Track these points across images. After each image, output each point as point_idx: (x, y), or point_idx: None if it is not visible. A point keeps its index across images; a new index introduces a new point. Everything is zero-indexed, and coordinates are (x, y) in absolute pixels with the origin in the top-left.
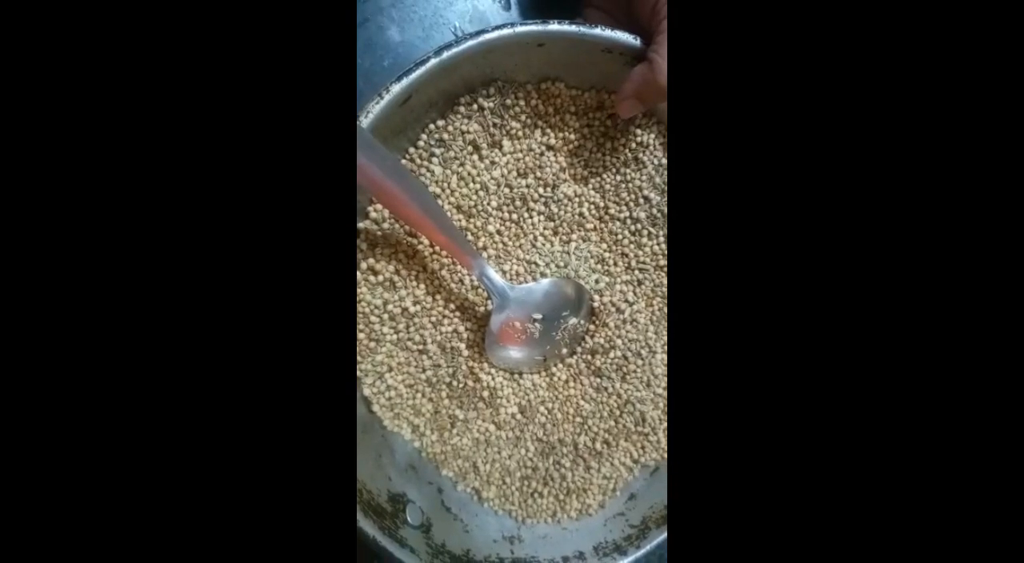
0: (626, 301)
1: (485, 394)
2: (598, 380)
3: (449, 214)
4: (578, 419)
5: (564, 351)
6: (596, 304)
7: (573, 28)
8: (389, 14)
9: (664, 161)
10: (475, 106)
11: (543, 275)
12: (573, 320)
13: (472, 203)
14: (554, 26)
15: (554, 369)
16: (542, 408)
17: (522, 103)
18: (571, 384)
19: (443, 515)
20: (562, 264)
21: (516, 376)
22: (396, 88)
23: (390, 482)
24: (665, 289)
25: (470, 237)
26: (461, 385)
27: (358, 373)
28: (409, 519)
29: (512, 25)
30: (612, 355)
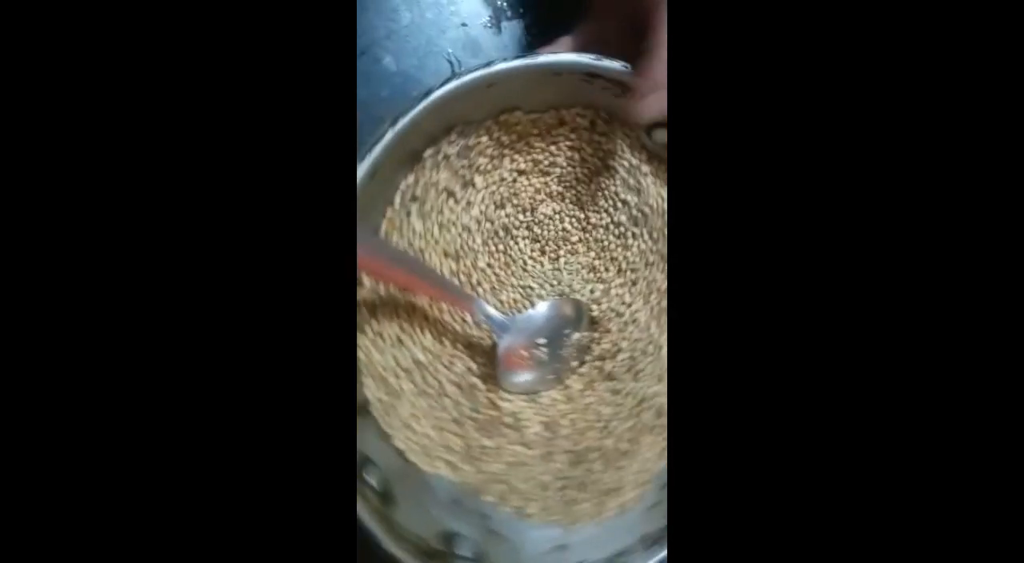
0: (623, 303)
1: (508, 420)
2: (612, 383)
3: (438, 262)
4: (600, 424)
5: (574, 364)
6: (595, 313)
7: (518, 62)
8: (384, 45)
9: (634, 161)
10: (440, 155)
11: (539, 297)
12: (576, 335)
13: (458, 246)
14: (499, 65)
15: (568, 381)
16: (564, 421)
17: (485, 139)
18: (587, 393)
19: (493, 540)
20: (555, 281)
21: (534, 396)
22: (361, 171)
23: (436, 522)
24: (659, 285)
25: (462, 277)
26: (484, 417)
27: (386, 429)
28: (462, 553)
29: (457, 76)
30: (620, 358)
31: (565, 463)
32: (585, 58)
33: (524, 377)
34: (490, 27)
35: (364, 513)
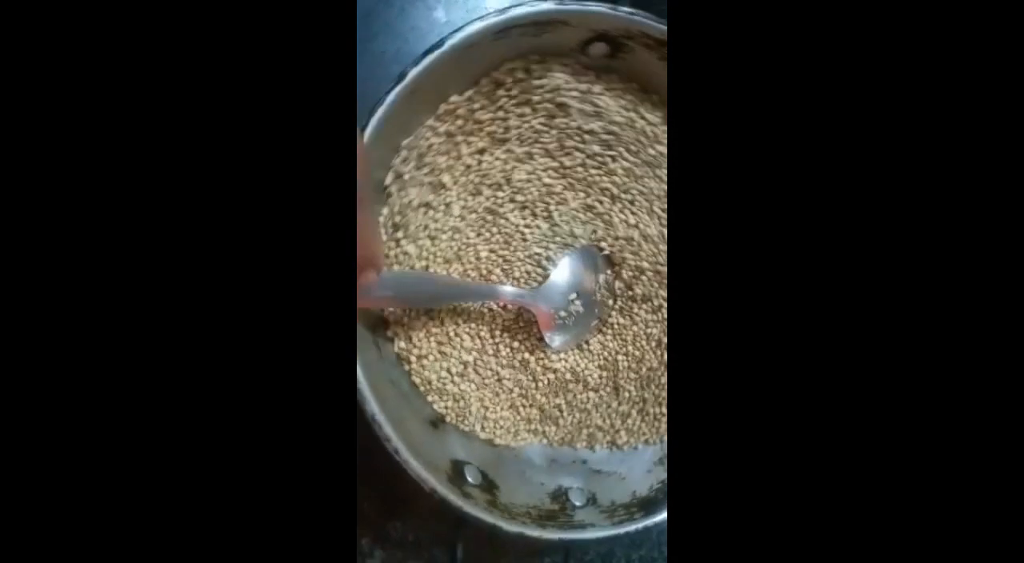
0: (629, 226)
1: (569, 376)
2: (648, 304)
3: (443, 270)
4: (652, 344)
5: (611, 303)
6: (607, 251)
7: (428, 59)
8: None
9: (583, 87)
10: (403, 177)
11: (548, 260)
12: (602, 277)
13: (455, 249)
14: (412, 72)
15: (609, 320)
16: (620, 356)
17: (434, 140)
18: (629, 324)
19: (598, 478)
20: (558, 237)
21: (584, 345)
22: None
23: (543, 486)
24: (655, 191)
25: (472, 272)
26: (547, 383)
27: (465, 428)
28: (576, 502)
29: (379, 103)
30: (645, 278)
31: (635, 389)
32: (488, 20)
33: (570, 334)
34: None
35: (476, 510)
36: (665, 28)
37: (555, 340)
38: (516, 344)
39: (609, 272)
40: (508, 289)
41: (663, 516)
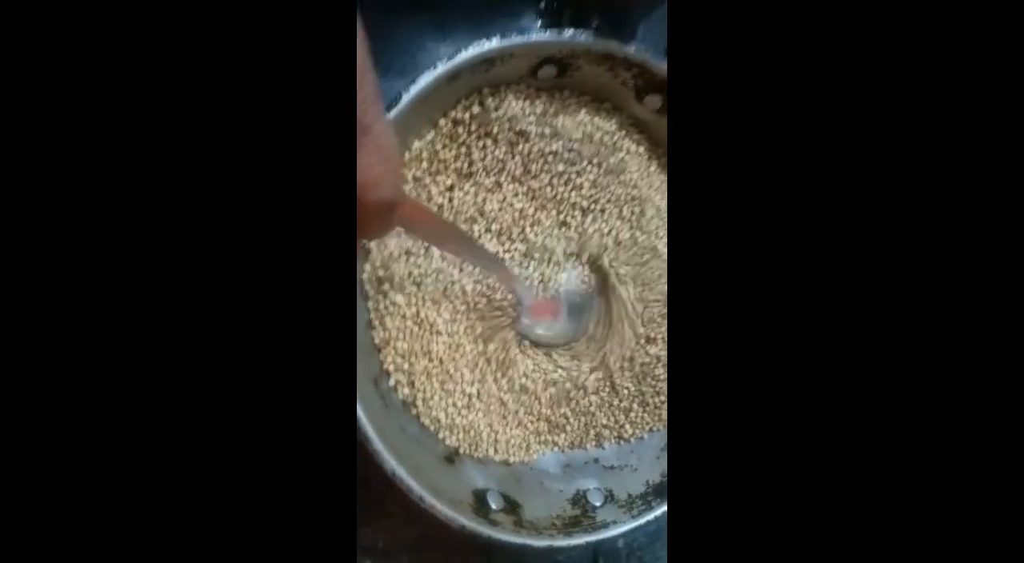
0: (602, 234)
1: (568, 385)
2: (630, 305)
3: (433, 311)
4: (641, 342)
5: (594, 315)
6: (586, 265)
7: (388, 117)
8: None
9: (538, 110)
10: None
11: (527, 279)
12: (583, 284)
13: (442, 289)
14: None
15: (591, 324)
16: (611, 358)
17: (404, 187)
18: (615, 326)
19: (611, 474)
20: (536, 257)
21: (575, 354)
22: None
23: (562, 493)
24: (620, 195)
25: (461, 307)
26: (549, 397)
27: (480, 456)
28: (595, 502)
29: None
30: (624, 281)
31: (632, 385)
32: (439, 69)
33: (558, 323)
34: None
35: (505, 535)
36: (608, 44)
37: (523, 326)
38: (513, 373)
39: (591, 280)
40: (513, 271)
41: None
